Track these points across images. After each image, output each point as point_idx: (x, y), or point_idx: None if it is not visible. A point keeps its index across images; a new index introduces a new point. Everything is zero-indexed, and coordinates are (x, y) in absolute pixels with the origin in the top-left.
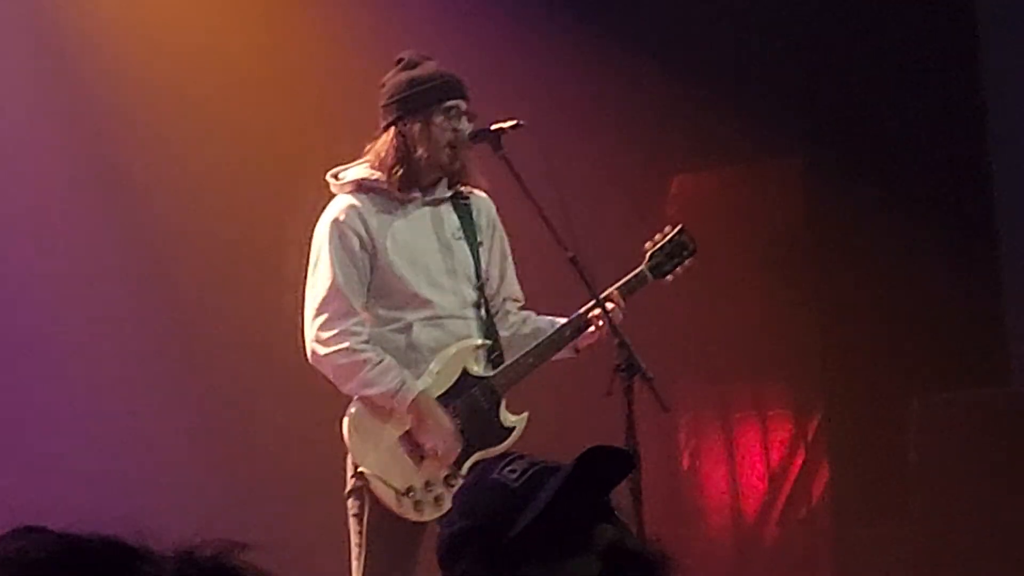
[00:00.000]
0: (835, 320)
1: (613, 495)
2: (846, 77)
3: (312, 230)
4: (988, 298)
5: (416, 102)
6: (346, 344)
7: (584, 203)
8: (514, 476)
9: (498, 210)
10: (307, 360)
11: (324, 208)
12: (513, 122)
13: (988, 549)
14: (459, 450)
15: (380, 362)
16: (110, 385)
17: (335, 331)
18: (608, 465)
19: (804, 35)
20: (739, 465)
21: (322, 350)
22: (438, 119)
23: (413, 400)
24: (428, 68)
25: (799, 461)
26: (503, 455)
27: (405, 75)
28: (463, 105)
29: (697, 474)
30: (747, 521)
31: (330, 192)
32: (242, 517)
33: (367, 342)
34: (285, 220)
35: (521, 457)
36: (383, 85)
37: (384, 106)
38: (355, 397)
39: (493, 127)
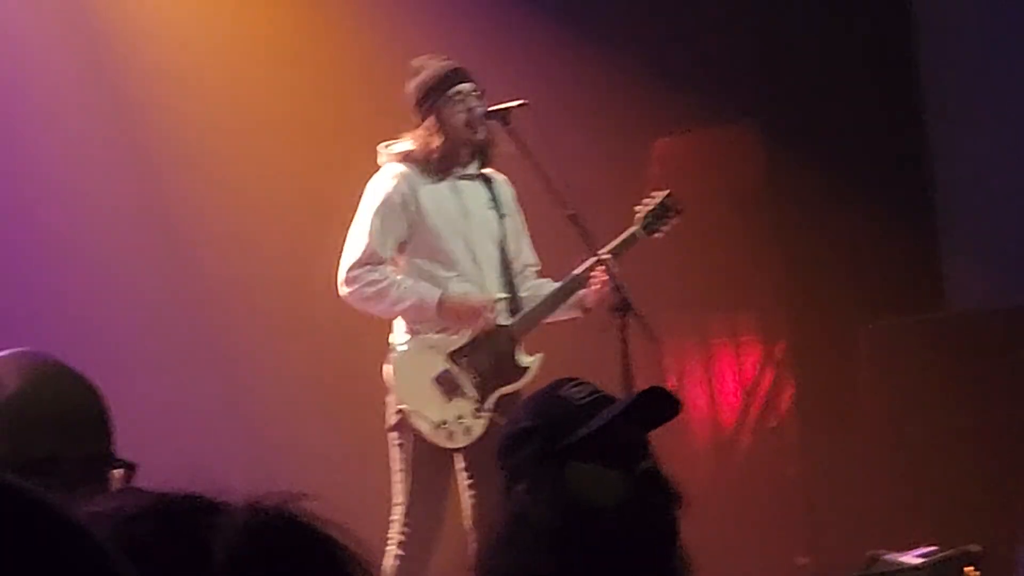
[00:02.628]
0: (795, 258)
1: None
2: (797, 46)
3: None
4: (925, 236)
5: (427, 101)
6: (372, 276)
7: (579, 169)
8: (579, 395)
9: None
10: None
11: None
12: (519, 102)
13: (932, 452)
14: (494, 312)
15: (402, 283)
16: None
17: (363, 268)
18: (660, 406)
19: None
20: (716, 384)
21: (352, 287)
22: (448, 107)
23: (439, 301)
24: (432, 68)
25: (768, 379)
26: (571, 378)
27: (415, 81)
28: (467, 87)
29: (681, 393)
30: (724, 431)
31: (376, 165)
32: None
33: (388, 275)
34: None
35: (586, 383)
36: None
37: (411, 109)
38: (397, 342)
39: (501, 106)
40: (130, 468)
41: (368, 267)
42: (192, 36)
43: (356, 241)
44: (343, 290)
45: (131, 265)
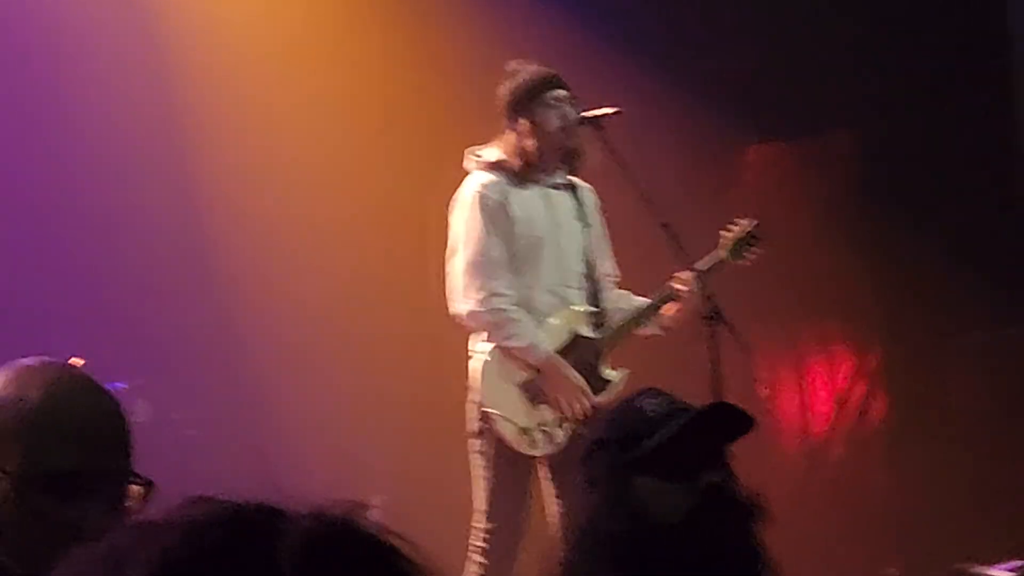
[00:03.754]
0: (889, 268)
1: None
2: (891, 56)
3: (448, 204)
4: (1020, 247)
5: (521, 104)
6: (494, 303)
7: (671, 178)
8: (653, 407)
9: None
10: (449, 315)
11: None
12: (613, 109)
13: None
14: (587, 402)
15: (520, 321)
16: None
17: (488, 293)
18: (731, 420)
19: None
20: (808, 394)
21: (476, 308)
22: (543, 112)
23: (546, 357)
24: (528, 72)
25: (860, 390)
26: (651, 388)
27: (510, 84)
28: (562, 94)
29: (773, 402)
30: (815, 441)
31: (465, 171)
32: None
33: (512, 302)
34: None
35: (663, 394)
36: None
37: (502, 113)
38: (482, 348)
39: (595, 113)
40: (148, 485)
41: (492, 291)
42: (276, 38)
43: (471, 256)
44: (461, 307)
45: (223, 277)
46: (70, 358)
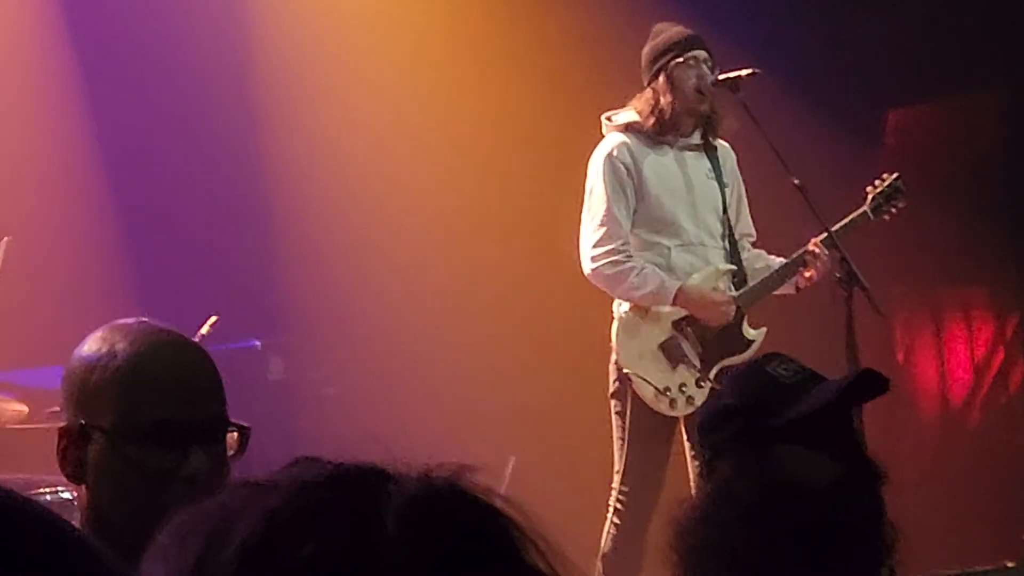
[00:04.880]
0: None
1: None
2: None
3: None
4: None
5: (660, 61)
6: (614, 258)
7: (810, 140)
8: (787, 374)
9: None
10: (583, 273)
11: (598, 145)
12: (750, 70)
13: None
14: (733, 308)
15: (643, 269)
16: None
17: (606, 248)
18: (870, 385)
19: None
20: (946, 360)
21: (594, 264)
22: (680, 71)
23: (677, 292)
24: (669, 32)
25: (999, 355)
26: (777, 354)
27: (652, 43)
28: (701, 55)
29: (910, 367)
30: (953, 407)
31: (601, 133)
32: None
33: (631, 256)
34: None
35: (791, 360)
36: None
37: (643, 71)
38: (622, 309)
39: (732, 75)
40: (244, 431)
41: (611, 247)
42: (402, 26)
43: (595, 217)
44: (586, 267)
45: (362, 240)
46: (209, 316)
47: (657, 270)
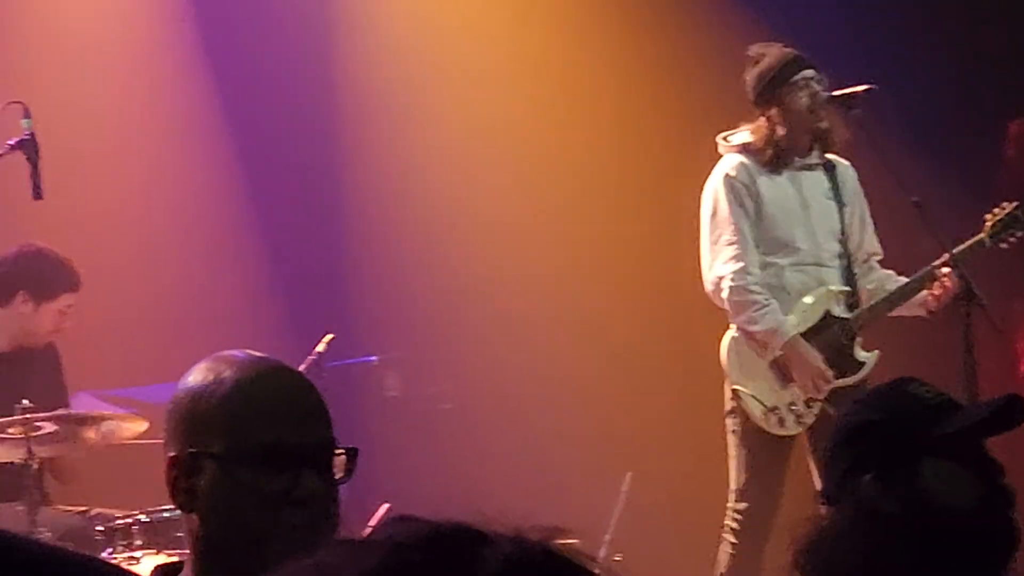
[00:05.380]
0: None
1: None
2: None
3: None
4: None
5: (769, 89)
6: (742, 283)
7: (928, 155)
8: (928, 395)
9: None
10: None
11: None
12: (865, 86)
13: None
14: (827, 386)
15: (766, 305)
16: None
17: (734, 270)
18: (1014, 414)
19: None
20: None
21: (722, 285)
22: (791, 95)
23: (787, 341)
24: (772, 56)
25: None
26: (911, 378)
27: (754, 71)
28: (808, 74)
29: None
30: None
31: (718, 153)
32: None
33: (758, 283)
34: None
35: (927, 383)
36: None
37: (750, 97)
38: (732, 330)
39: (846, 91)
40: (352, 454)
41: (740, 269)
42: (526, 34)
43: (721, 237)
44: (710, 286)
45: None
46: (325, 334)
47: (778, 312)
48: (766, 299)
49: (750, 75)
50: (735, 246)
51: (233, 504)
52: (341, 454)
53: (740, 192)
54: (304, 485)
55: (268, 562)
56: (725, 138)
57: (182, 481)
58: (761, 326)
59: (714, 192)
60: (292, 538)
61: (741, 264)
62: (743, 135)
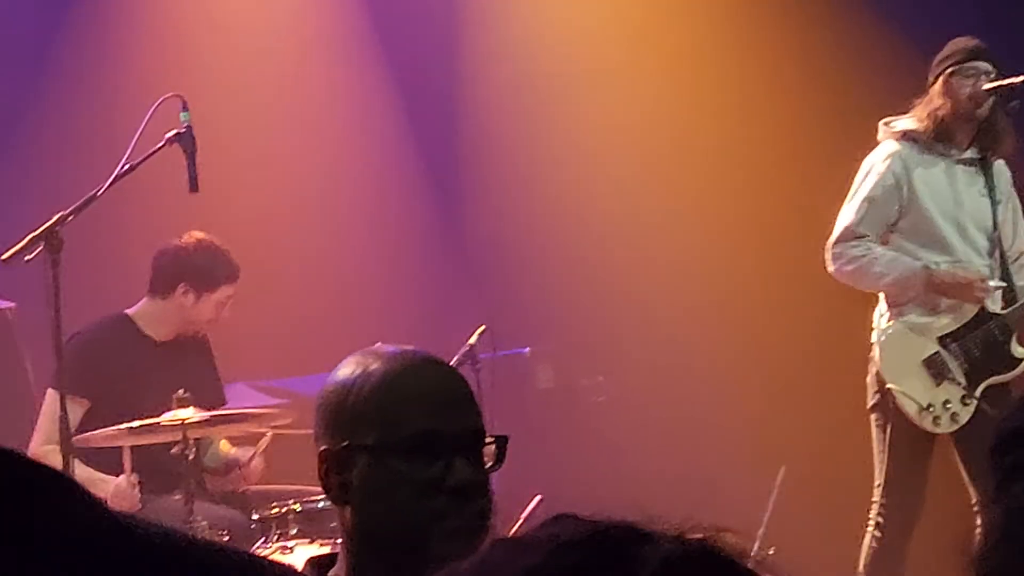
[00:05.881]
0: None
1: None
2: None
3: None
4: None
5: (939, 68)
6: (849, 254)
7: None
8: None
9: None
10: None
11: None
12: (1023, 77)
13: None
14: (987, 288)
15: (884, 255)
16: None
17: (841, 247)
18: None
19: None
20: None
21: (833, 265)
22: (957, 78)
23: (926, 275)
24: (957, 42)
25: None
26: None
27: (939, 55)
28: (983, 67)
29: None
30: None
31: (876, 139)
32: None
33: (867, 249)
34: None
35: None
36: None
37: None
38: (884, 322)
39: (1004, 82)
40: (502, 442)
41: (850, 243)
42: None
43: (843, 218)
44: (829, 267)
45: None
46: (478, 326)
47: (899, 256)
48: (882, 250)
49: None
50: (853, 227)
51: (387, 494)
52: (491, 443)
53: (889, 181)
54: (457, 473)
55: (422, 553)
56: (887, 123)
57: (334, 474)
58: (894, 274)
59: (863, 176)
60: (446, 527)
61: (846, 245)
62: (906, 122)
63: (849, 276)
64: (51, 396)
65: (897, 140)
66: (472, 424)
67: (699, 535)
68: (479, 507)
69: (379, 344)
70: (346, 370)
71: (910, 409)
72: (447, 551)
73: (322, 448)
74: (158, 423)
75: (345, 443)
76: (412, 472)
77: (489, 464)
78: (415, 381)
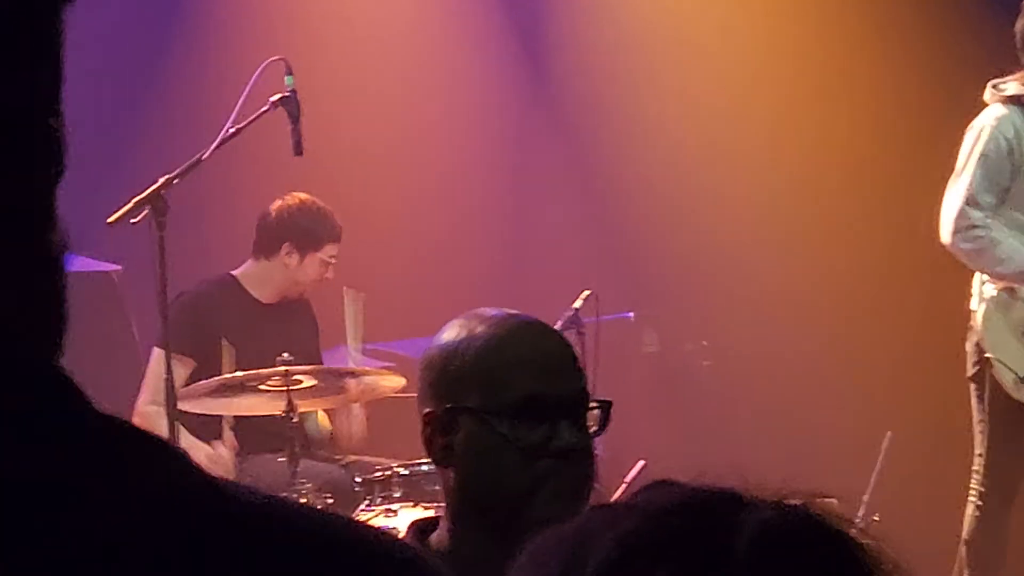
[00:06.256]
0: None
1: None
2: None
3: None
4: None
5: None
6: (975, 232)
7: None
8: None
9: None
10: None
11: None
12: None
13: None
14: None
15: (1006, 242)
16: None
17: (964, 221)
18: None
19: None
20: None
21: (952, 237)
22: None
23: None
24: None
25: None
26: None
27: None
28: None
29: None
30: None
31: (984, 101)
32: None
33: (991, 229)
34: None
35: None
36: None
37: (1019, 48)
38: (988, 289)
39: None
40: (607, 407)
41: (969, 220)
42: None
43: (958, 189)
44: (945, 237)
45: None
46: (582, 290)
47: (1018, 246)
48: (1003, 236)
49: (1018, 24)
50: (971, 197)
51: (491, 457)
52: (595, 407)
53: (1001, 145)
54: (561, 436)
55: (524, 516)
56: (996, 87)
57: (438, 437)
58: (1014, 264)
59: (971, 141)
60: (549, 491)
61: (977, 217)
62: (1015, 85)
63: (965, 254)
64: (156, 355)
65: (1005, 104)
66: (576, 388)
67: (798, 500)
68: (582, 471)
69: (483, 308)
70: (450, 333)
71: (1006, 379)
72: (549, 514)
73: (426, 411)
74: (263, 374)
75: (449, 406)
76: (516, 435)
77: (593, 429)
78: (520, 345)
